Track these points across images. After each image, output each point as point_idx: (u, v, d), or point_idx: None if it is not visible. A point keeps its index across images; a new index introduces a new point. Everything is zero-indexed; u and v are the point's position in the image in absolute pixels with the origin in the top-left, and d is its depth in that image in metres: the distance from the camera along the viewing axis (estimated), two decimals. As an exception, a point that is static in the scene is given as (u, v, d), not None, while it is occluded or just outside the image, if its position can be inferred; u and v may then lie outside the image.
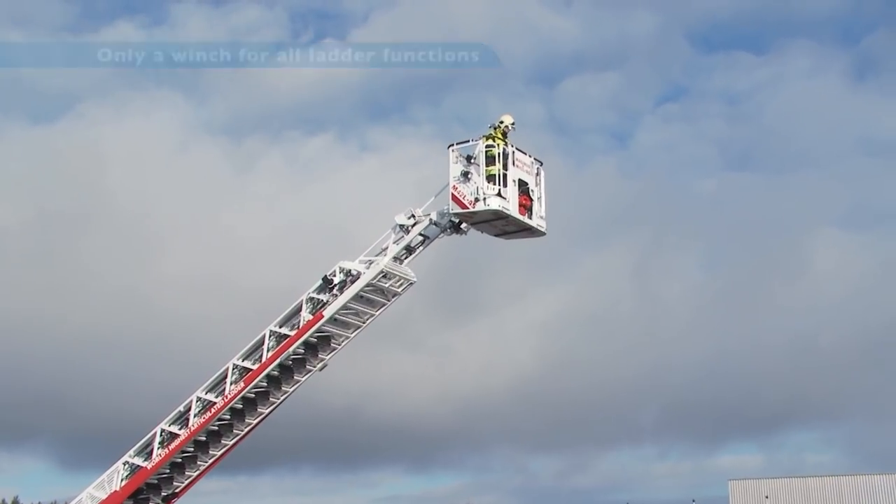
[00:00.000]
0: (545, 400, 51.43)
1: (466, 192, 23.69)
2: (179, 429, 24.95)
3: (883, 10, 70.38)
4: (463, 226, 24.43)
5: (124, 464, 25.49)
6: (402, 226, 24.47)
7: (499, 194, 23.50)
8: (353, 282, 24.26)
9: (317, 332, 24.43)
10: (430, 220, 24.37)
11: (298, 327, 24.47)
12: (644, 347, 53.95)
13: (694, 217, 61.94)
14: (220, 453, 25.71)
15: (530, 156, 24.56)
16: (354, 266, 24.34)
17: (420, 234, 24.56)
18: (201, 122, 67.79)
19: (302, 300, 24.63)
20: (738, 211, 62.49)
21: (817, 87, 69.00)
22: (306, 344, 24.60)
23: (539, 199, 24.63)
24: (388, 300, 24.83)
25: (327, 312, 24.24)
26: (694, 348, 52.86)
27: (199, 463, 25.72)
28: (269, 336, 24.63)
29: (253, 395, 24.95)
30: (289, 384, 25.04)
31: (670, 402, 52.43)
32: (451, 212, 23.88)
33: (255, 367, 24.59)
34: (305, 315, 24.49)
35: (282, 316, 24.77)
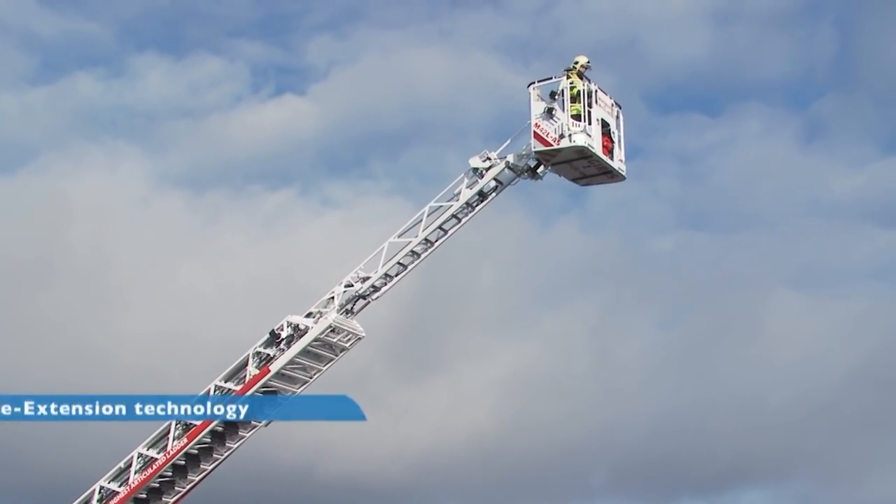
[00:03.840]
0: (500, 458, 50.87)
1: (550, 129, 22.62)
2: (119, 486, 24.28)
3: (831, 75, 71.78)
4: (540, 170, 23.39)
5: (61, 522, 24.85)
6: (475, 169, 23.33)
7: (584, 132, 22.58)
8: (300, 336, 23.88)
9: (263, 387, 23.95)
10: (507, 163, 23.24)
11: (244, 382, 24.02)
12: (599, 406, 53.64)
13: (650, 276, 61.99)
14: (160, 511, 25.10)
15: (610, 97, 23.80)
16: (302, 320, 23.98)
17: (494, 180, 23.44)
18: (162, 176, 67.20)
19: (248, 354, 24.16)
20: (693, 270, 62.62)
21: (769, 149, 69.83)
22: (252, 399, 24.17)
23: (619, 141, 23.75)
24: (337, 355, 24.43)
25: (274, 367, 23.75)
26: (647, 408, 52.68)
27: (139, 522, 25.09)
28: (214, 391, 24.12)
29: (196, 452, 24.38)
30: (233, 440, 24.49)
31: (623, 461, 52.05)
32: (533, 150, 22.80)
33: (198, 422, 24.08)
34: (252, 370, 24.01)
35: (227, 370, 24.27)
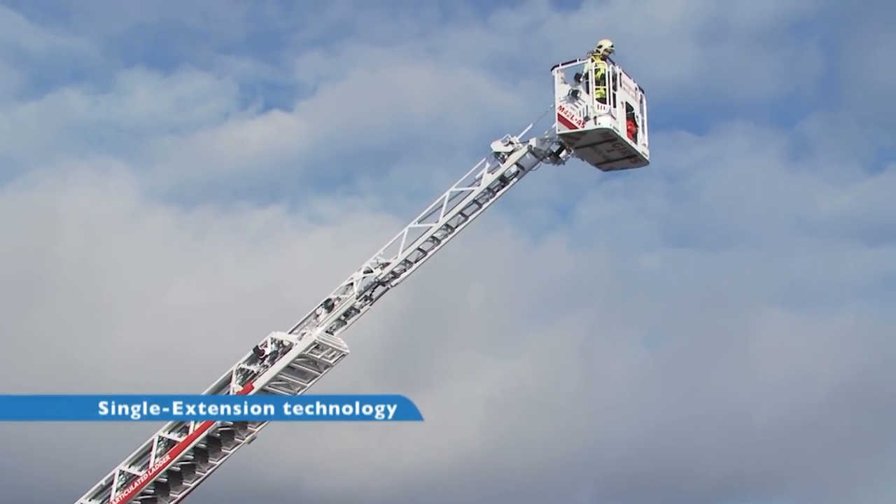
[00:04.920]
0: (488, 475, 50.82)
1: (574, 112, 22.41)
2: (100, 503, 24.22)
3: (817, 95, 72.27)
4: (563, 154, 23.10)
5: (42, 539, 24.71)
6: (497, 154, 23.00)
7: (609, 114, 22.37)
8: (284, 353, 23.75)
9: (246, 403, 23.90)
10: (530, 147, 22.94)
11: (228, 399, 23.95)
12: (587, 423, 53.68)
13: (638, 293, 62.12)
14: (142, 529, 24.95)
15: (634, 80, 23.58)
16: (286, 337, 23.86)
17: (516, 165, 23.11)
18: (149, 192, 67.09)
19: (232, 371, 24.02)
20: (680, 287, 62.72)
21: (755, 167, 70.10)
22: (235, 416, 24.01)
23: (643, 126, 23.54)
24: (320, 372, 24.30)
25: (257, 384, 23.59)
26: (635, 424, 52.73)
27: (120, 539, 24.91)
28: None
29: (178, 469, 24.23)
30: (216, 457, 24.33)
31: (611, 478, 52.07)
32: (557, 132, 22.53)
33: (181, 439, 23.93)
34: (235, 386, 23.85)
35: (211, 387, 24.08)
